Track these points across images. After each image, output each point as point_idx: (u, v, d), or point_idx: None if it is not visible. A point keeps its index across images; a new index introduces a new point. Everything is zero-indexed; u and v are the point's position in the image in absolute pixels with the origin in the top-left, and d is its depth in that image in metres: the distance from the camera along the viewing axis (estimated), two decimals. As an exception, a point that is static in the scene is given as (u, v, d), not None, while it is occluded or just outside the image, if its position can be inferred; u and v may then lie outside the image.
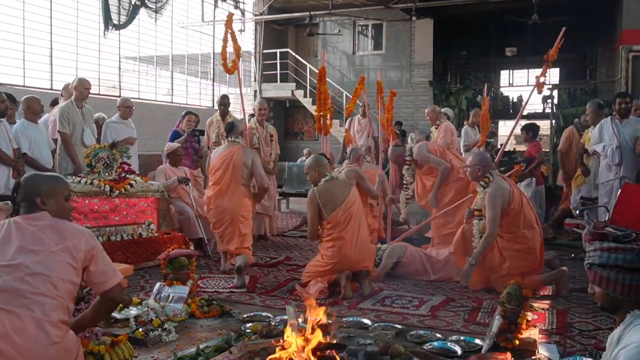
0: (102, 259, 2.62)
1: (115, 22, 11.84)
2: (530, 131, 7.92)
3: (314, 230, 4.86)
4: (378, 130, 8.22)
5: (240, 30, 16.25)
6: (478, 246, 4.93)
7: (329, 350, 2.89)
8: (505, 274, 4.82)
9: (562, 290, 4.86)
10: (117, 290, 2.64)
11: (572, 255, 6.47)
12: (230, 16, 6.14)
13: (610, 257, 2.19)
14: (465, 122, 9.47)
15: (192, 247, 5.90)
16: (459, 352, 3.40)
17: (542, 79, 6.05)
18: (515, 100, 25.43)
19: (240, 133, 5.82)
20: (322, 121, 6.48)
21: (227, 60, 6.02)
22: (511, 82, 23.25)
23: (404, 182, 6.66)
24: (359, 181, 6.36)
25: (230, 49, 6.10)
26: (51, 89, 10.56)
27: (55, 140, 6.71)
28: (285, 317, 3.32)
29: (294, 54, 16.94)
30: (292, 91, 16.48)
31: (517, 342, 3.38)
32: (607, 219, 6.43)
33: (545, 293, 4.96)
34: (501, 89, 24.55)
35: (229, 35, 6.07)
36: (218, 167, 5.57)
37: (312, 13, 15.38)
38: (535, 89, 6.01)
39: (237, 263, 5.19)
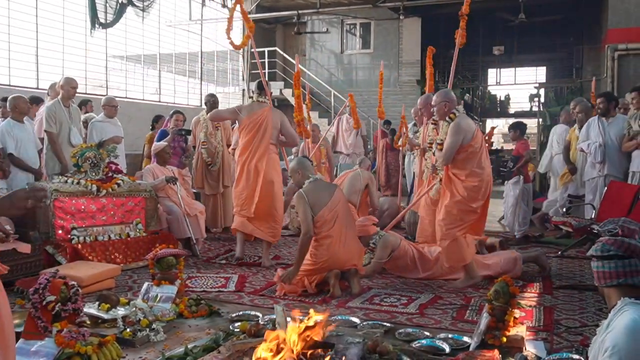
0: None
1: (102, 20, 11.75)
2: (518, 129, 7.95)
3: (309, 225, 4.73)
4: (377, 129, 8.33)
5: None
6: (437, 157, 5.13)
7: (317, 349, 2.89)
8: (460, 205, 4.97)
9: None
10: None
11: (559, 253, 6.52)
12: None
13: (591, 250, 2.37)
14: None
15: (180, 247, 5.89)
16: (447, 349, 3.41)
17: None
18: (502, 98, 25.63)
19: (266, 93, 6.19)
20: (301, 125, 6.69)
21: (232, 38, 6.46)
22: (498, 80, 23.43)
23: (429, 141, 6.63)
24: (369, 184, 7.24)
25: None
26: (37, 87, 10.47)
27: (41, 140, 6.66)
28: (274, 316, 3.32)
29: (282, 52, 16.92)
30: (281, 90, 16.46)
31: (504, 339, 3.41)
32: (593, 216, 6.50)
33: (533, 290, 4.99)
34: (489, 88, 24.69)
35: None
36: (250, 129, 5.92)
37: (300, 12, 15.38)
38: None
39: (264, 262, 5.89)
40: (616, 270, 2.25)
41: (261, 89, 6.13)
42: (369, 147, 12.34)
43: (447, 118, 5.02)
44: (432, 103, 5.20)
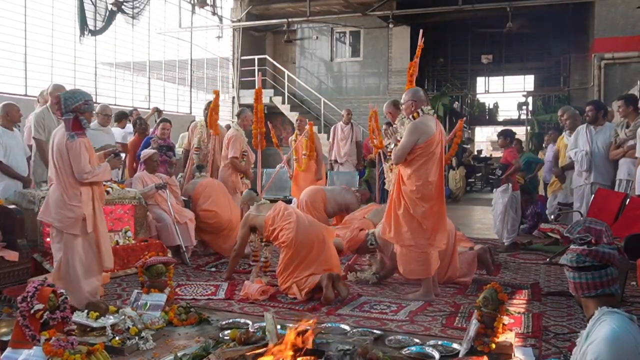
0: None
1: (92, 27, 11.71)
2: (508, 137, 8.01)
3: (240, 245, 5.59)
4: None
5: (218, 37, 16.22)
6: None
7: (307, 357, 2.89)
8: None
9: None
10: None
11: (548, 260, 6.57)
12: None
13: (564, 259, 2.33)
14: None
15: (169, 255, 5.86)
16: (437, 356, 3.43)
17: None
18: (491, 106, 25.79)
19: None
20: (258, 137, 6.97)
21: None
22: (487, 88, 23.59)
23: (386, 145, 6.58)
24: None
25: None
26: (26, 94, 10.42)
27: (30, 147, 6.62)
28: (264, 323, 3.32)
29: (272, 60, 16.95)
30: (270, 98, 16.47)
31: (493, 345, 3.43)
32: (580, 223, 6.53)
33: (522, 297, 5.02)
34: (477, 96, 24.84)
35: None
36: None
37: (290, 20, 15.42)
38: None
39: None
40: (593, 281, 2.22)
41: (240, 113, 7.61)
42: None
43: (410, 117, 4.96)
44: (401, 100, 5.12)
